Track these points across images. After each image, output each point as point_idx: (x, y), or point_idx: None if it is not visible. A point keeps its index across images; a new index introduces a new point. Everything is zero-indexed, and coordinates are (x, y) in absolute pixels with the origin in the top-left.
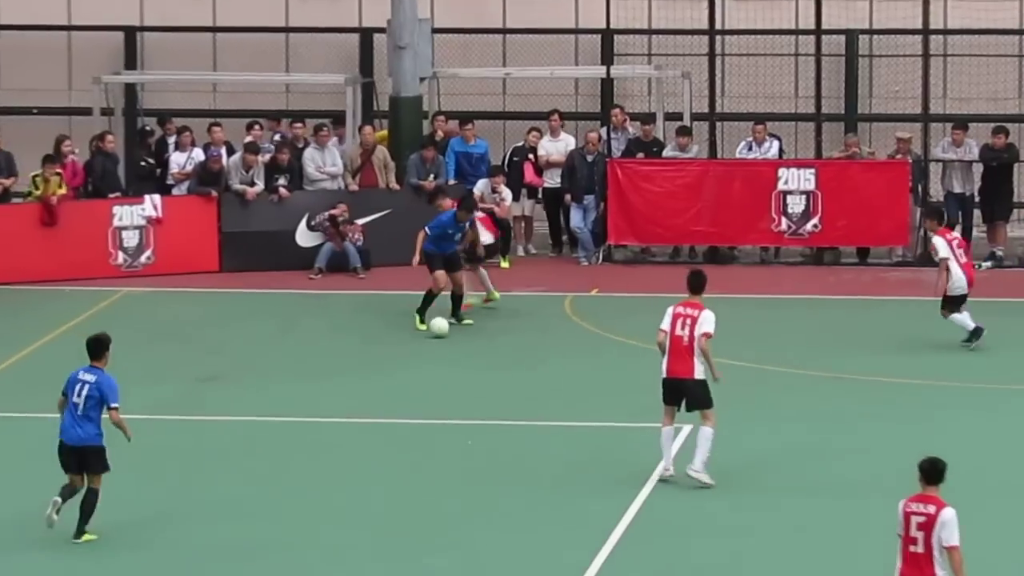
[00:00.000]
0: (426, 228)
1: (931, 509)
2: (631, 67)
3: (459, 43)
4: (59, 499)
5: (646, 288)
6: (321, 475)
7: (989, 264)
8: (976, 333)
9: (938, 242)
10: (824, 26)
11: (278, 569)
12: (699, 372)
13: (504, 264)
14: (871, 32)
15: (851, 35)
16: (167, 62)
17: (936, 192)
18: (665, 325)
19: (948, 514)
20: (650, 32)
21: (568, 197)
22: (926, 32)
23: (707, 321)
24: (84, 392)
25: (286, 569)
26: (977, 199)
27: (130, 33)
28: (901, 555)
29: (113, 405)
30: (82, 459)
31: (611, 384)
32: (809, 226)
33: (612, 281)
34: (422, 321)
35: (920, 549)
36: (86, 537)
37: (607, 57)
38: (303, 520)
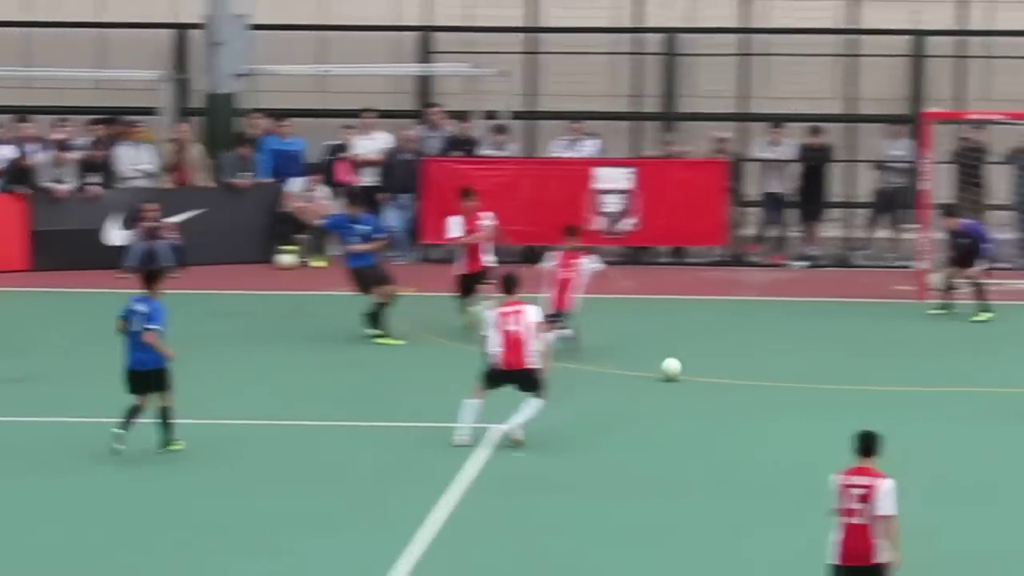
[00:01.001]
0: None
1: (869, 481)
2: (448, 65)
3: (276, 40)
4: (121, 431)
5: None
6: (131, 477)
7: (805, 264)
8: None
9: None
10: (643, 25)
11: (90, 572)
12: (532, 362)
13: (323, 263)
14: (690, 31)
15: (670, 34)
16: None
17: (755, 192)
18: (490, 332)
19: (888, 485)
20: (468, 30)
21: (383, 196)
22: (745, 32)
23: (535, 312)
24: (140, 322)
25: (96, 571)
26: (794, 199)
27: None
28: (841, 528)
29: (151, 327)
30: (147, 381)
31: (424, 384)
32: (626, 225)
33: (428, 280)
34: (383, 336)
35: (861, 520)
36: (174, 446)
37: (424, 55)
38: (111, 523)
